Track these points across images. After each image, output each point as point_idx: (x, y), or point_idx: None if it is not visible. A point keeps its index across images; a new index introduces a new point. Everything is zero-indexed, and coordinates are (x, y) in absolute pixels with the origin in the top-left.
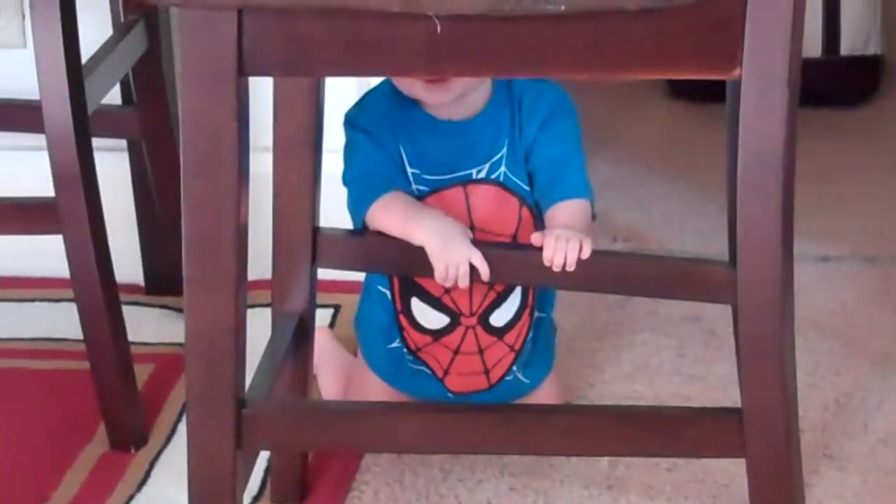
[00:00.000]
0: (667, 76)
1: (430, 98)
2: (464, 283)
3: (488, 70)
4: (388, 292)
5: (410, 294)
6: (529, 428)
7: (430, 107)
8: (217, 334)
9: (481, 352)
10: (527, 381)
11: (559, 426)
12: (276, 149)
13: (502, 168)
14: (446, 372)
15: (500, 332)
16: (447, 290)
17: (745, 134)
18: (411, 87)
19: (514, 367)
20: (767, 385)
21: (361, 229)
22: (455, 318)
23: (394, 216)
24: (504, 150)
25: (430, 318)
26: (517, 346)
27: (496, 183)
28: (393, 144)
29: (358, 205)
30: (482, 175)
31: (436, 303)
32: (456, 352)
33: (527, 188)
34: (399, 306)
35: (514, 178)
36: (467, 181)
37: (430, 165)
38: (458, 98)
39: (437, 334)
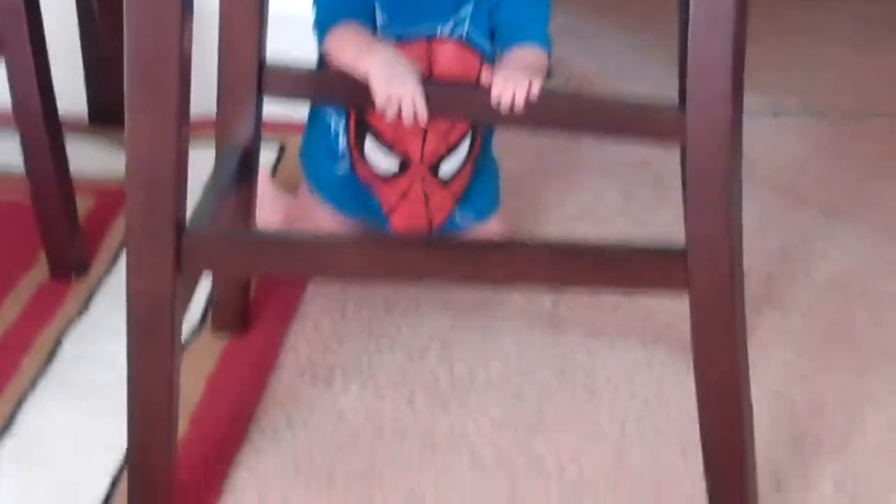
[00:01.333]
0: None
1: None
2: (408, 118)
3: None
4: (341, 123)
5: (364, 132)
6: (472, 259)
7: None
8: (158, 158)
9: (426, 199)
10: (471, 215)
11: (503, 258)
12: None
13: (466, 25)
14: (392, 209)
15: (446, 182)
16: (399, 138)
17: None
18: None
19: (455, 210)
20: (713, 220)
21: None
22: (405, 164)
23: (347, 46)
24: (471, 6)
25: (382, 161)
26: (459, 193)
27: (458, 40)
28: None
29: (319, 32)
30: (446, 31)
31: (387, 148)
32: (403, 196)
33: (489, 47)
34: (353, 141)
35: (477, 36)
36: (431, 37)
37: (398, 14)
38: None
39: (386, 178)
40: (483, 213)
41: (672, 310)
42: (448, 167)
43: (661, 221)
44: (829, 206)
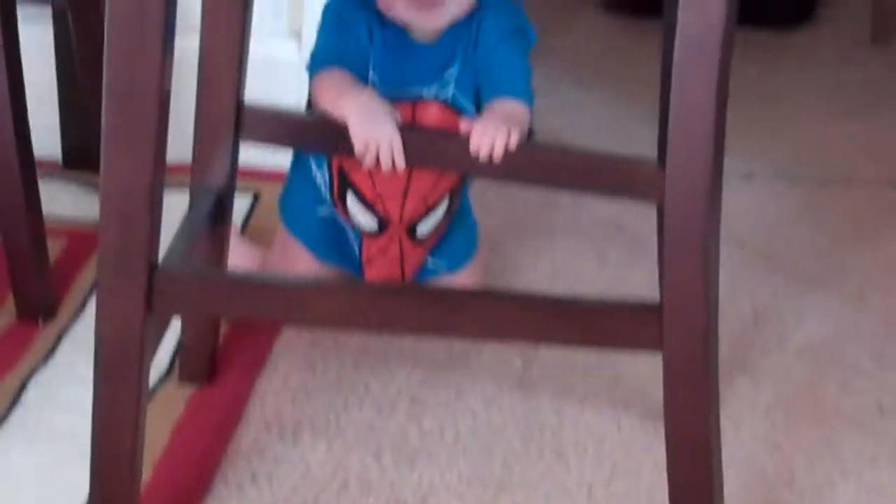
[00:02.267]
0: None
1: (423, 23)
2: (386, 163)
3: None
4: (325, 175)
5: (346, 188)
6: (445, 308)
7: (409, 23)
8: (133, 193)
9: (402, 258)
10: (443, 263)
11: (475, 309)
12: (203, 19)
13: (451, 88)
14: (368, 260)
15: (422, 241)
16: (380, 197)
17: (684, 18)
18: (405, 10)
19: (427, 259)
20: (689, 279)
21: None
22: (384, 224)
23: (330, 88)
24: (456, 68)
25: (362, 219)
26: (432, 246)
27: (442, 102)
28: (366, 43)
29: (309, 74)
30: (430, 94)
31: (369, 206)
32: (380, 251)
33: (472, 109)
34: (336, 193)
35: (460, 98)
36: (416, 99)
37: (387, 75)
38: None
39: (365, 234)
40: (455, 263)
41: (642, 374)
42: (425, 227)
43: (635, 283)
44: (801, 271)
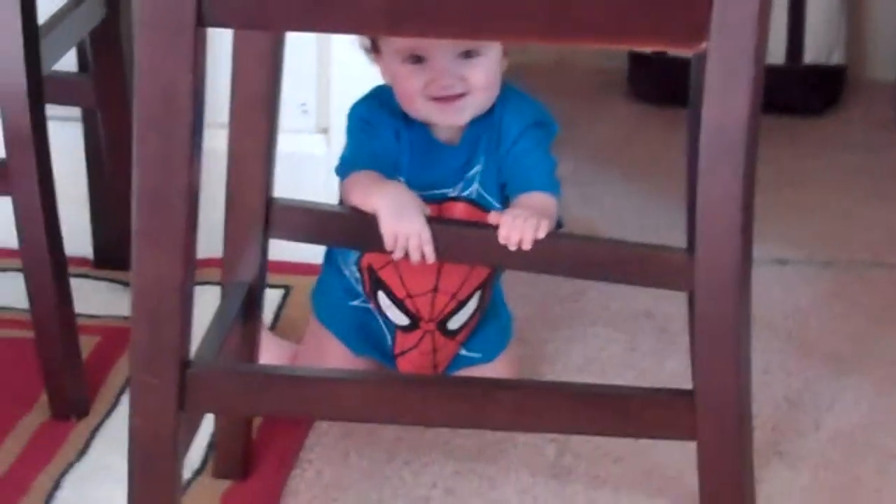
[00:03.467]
0: (630, 46)
1: (443, 119)
2: (415, 257)
3: (447, 32)
4: (356, 271)
5: (377, 287)
6: (478, 401)
7: (429, 121)
8: (164, 290)
9: (435, 351)
10: (477, 354)
11: (508, 400)
12: (232, 115)
13: (475, 185)
14: (401, 353)
15: (454, 334)
16: (410, 295)
17: (709, 109)
18: (424, 107)
19: (460, 350)
20: (721, 367)
21: (315, 202)
22: (415, 321)
23: (359, 186)
24: (480, 166)
25: (394, 314)
26: (463, 341)
27: (468, 200)
28: (393, 145)
29: (340, 175)
30: (456, 193)
31: (399, 304)
32: (405, 351)
33: (497, 205)
34: (368, 290)
35: (486, 195)
36: (443, 199)
37: (416, 178)
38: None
39: (399, 328)
40: (488, 354)
41: (676, 462)
42: (457, 322)
43: (666, 373)
44: (834, 355)
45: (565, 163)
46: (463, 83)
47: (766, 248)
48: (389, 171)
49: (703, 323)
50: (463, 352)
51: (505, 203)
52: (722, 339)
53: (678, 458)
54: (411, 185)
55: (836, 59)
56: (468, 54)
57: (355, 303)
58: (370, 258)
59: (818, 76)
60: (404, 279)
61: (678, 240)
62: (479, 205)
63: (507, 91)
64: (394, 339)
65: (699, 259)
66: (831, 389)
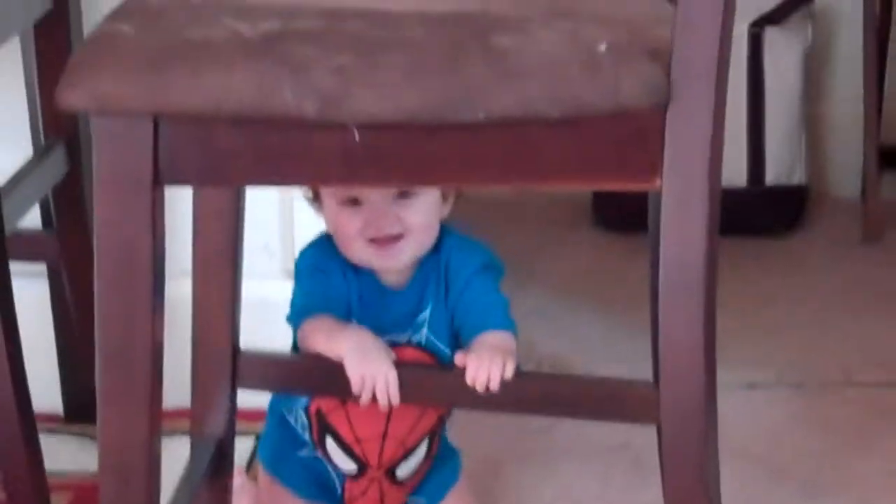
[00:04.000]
0: (588, 187)
1: (382, 263)
2: (381, 399)
3: (406, 180)
4: (303, 418)
5: (325, 432)
6: None
7: (377, 269)
8: (131, 448)
9: (382, 498)
10: (422, 499)
11: None
12: (194, 268)
13: (424, 330)
14: (350, 500)
15: (402, 483)
16: (358, 440)
17: (666, 245)
18: (363, 251)
19: (409, 500)
20: (690, 497)
21: (283, 351)
22: (363, 468)
23: (321, 332)
24: (428, 311)
25: (342, 461)
26: (413, 487)
27: (417, 346)
28: (344, 290)
29: (294, 322)
30: (405, 339)
31: (347, 450)
32: (361, 493)
33: (447, 350)
34: (315, 437)
35: (435, 341)
36: (393, 345)
37: (365, 324)
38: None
39: (346, 476)
40: (435, 497)
41: None
42: (405, 470)
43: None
44: (808, 480)
45: (533, 296)
46: (399, 224)
47: (734, 371)
48: (344, 315)
49: (669, 457)
50: (410, 500)
51: (454, 349)
52: (689, 469)
53: None
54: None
55: (798, 178)
56: (404, 195)
57: (302, 453)
58: (319, 402)
59: (780, 196)
60: (353, 424)
61: (650, 369)
62: (429, 350)
63: (451, 236)
64: (342, 486)
65: (663, 393)
66: None
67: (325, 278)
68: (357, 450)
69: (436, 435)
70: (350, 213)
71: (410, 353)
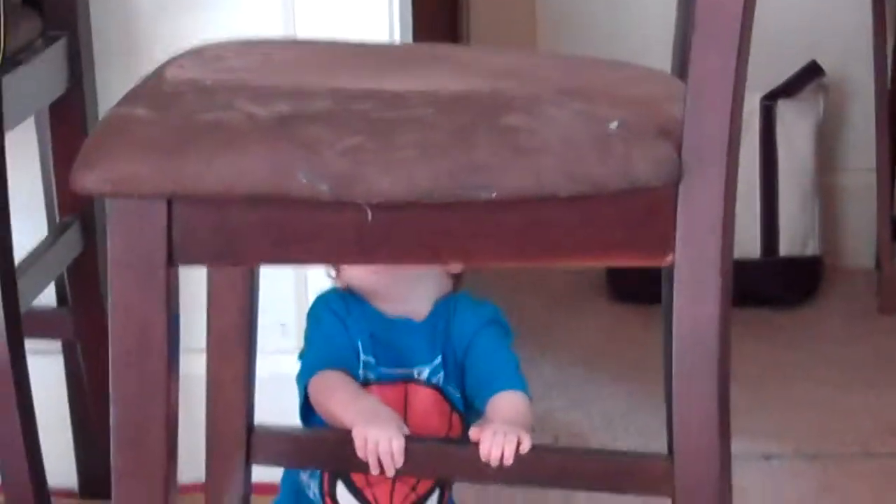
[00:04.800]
0: (600, 264)
1: (384, 305)
2: (386, 461)
3: (419, 258)
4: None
5: (336, 478)
6: None
7: (381, 304)
8: None
9: None
10: None
11: None
12: (209, 346)
13: (440, 374)
14: None
15: None
16: (369, 483)
17: (679, 319)
18: (363, 283)
19: None
20: None
21: (297, 427)
22: None
23: (330, 394)
24: (439, 359)
25: None
26: None
27: (435, 387)
28: (354, 332)
29: (303, 378)
30: (423, 376)
31: (358, 494)
32: None
33: (458, 395)
34: (326, 488)
35: (449, 386)
36: (409, 380)
37: (381, 356)
38: (405, 285)
39: None
40: None
41: None
42: None
43: None
44: None
45: (549, 367)
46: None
47: (750, 443)
48: (353, 362)
49: None
50: None
51: (466, 398)
52: None
53: None
54: (378, 363)
55: (812, 249)
56: None
57: None
58: None
59: (794, 268)
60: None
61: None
62: (444, 393)
63: (459, 297)
64: None
65: (677, 465)
66: None
67: (331, 323)
68: (368, 494)
69: (446, 486)
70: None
71: (427, 394)
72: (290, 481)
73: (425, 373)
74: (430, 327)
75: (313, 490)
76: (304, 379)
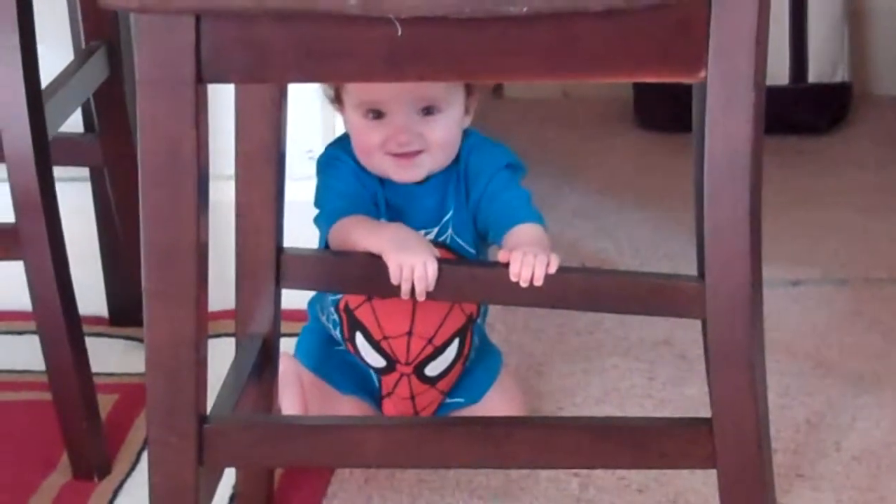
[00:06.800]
0: (632, 79)
1: (400, 175)
2: (420, 286)
3: (450, 74)
4: (334, 313)
5: (355, 329)
6: (498, 441)
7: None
8: (178, 347)
9: (413, 398)
10: (460, 399)
11: (528, 438)
12: (237, 168)
13: (449, 231)
14: (385, 395)
15: (433, 381)
16: (385, 336)
17: (712, 137)
18: (381, 162)
19: (444, 399)
20: (737, 393)
21: (326, 250)
22: (392, 363)
23: (358, 229)
24: (451, 214)
25: (371, 357)
26: (447, 390)
27: (443, 245)
28: (372, 187)
29: (325, 223)
30: (432, 237)
31: (376, 346)
32: (390, 393)
33: (472, 251)
34: (346, 333)
35: (459, 241)
36: None
37: (395, 218)
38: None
39: (376, 371)
40: (472, 397)
41: (700, 489)
42: (435, 369)
43: (686, 399)
44: (854, 374)
45: (576, 196)
46: (420, 140)
47: (779, 269)
48: (374, 213)
49: (716, 350)
50: (447, 399)
51: (479, 250)
52: (736, 365)
53: (702, 486)
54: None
55: (841, 76)
56: (428, 111)
57: (339, 348)
58: (347, 298)
59: (823, 94)
60: (380, 320)
61: (694, 266)
62: (453, 250)
63: (471, 137)
64: (380, 381)
65: (709, 286)
66: (851, 409)
67: (351, 177)
68: (385, 346)
69: (466, 335)
70: (372, 126)
71: (440, 252)
72: (314, 314)
73: (433, 234)
74: (438, 184)
75: (335, 332)
76: (326, 225)
